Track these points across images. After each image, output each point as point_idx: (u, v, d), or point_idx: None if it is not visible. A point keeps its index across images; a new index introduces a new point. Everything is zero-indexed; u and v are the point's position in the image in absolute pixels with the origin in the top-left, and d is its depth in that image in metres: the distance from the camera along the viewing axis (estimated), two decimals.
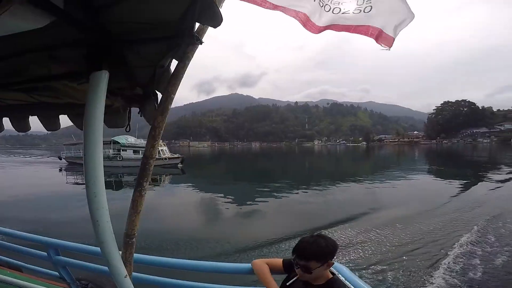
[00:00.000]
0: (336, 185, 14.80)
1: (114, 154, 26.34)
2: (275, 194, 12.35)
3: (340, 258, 5.22)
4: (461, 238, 6.16)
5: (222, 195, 12.33)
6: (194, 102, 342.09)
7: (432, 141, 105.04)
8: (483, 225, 7.10)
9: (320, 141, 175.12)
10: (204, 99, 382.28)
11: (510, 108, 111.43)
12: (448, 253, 5.44)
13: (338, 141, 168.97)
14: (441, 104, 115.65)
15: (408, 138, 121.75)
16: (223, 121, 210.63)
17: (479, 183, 14.04)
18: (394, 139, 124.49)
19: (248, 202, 10.78)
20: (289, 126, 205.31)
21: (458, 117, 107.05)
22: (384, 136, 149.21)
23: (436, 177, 18.11)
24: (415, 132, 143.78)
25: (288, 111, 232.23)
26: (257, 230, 7.26)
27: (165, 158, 24.92)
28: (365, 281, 1.25)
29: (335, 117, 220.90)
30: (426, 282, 4.40)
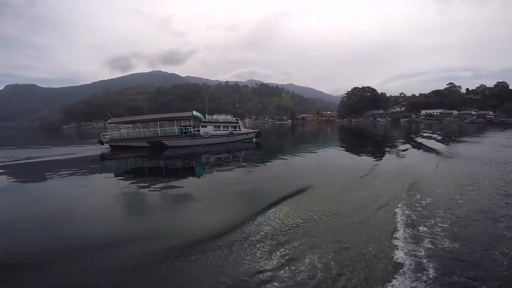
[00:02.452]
0: (270, 160, 15.19)
1: (195, 130, 23.55)
2: (202, 173, 11.94)
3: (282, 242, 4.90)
4: (396, 209, 6.57)
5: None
6: (106, 79, 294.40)
7: (344, 119, 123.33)
8: (408, 192, 8.00)
9: (250, 119, 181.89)
10: (119, 76, 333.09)
11: (398, 95, 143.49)
12: (396, 224, 5.74)
13: (266, 119, 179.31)
14: (351, 89, 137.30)
15: (325, 117, 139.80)
16: (146, 100, 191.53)
17: (387, 154, 16.48)
18: (314, 117, 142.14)
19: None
20: (220, 105, 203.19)
21: (363, 101, 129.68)
22: (306, 115, 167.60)
23: (352, 151, 20.68)
24: (328, 112, 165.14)
25: (219, 90, 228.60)
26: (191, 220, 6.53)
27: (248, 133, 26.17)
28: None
29: (263, 97, 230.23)
30: (388, 259, 4.42)
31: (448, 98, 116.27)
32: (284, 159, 15.98)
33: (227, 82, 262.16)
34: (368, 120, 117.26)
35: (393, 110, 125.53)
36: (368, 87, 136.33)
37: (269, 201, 7.41)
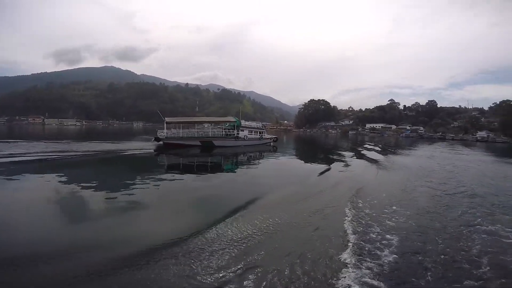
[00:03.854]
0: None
1: (236, 134, 27.24)
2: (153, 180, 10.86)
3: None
4: (346, 217, 6.86)
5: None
6: (49, 72, 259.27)
7: (300, 129, 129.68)
8: (355, 197, 8.66)
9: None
10: (65, 69, 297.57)
11: (347, 108, 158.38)
12: (346, 229, 6.03)
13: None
14: (308, 101, 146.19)
15: (283, 126, 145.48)
16: (95, 96, 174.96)
17: (335, 163, 18.18)
18: (273, 126, 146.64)
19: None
20: (178, 107, 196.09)
21: (318, 112, 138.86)
22: (265, 123, 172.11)
23: (306, 159, 23.06)
24: (285, 121, 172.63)
25: (177, 92, 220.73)
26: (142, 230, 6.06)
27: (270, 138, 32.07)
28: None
29: (224, 102, 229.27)
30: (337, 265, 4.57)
31: (389, 113, 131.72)
32: (245, 167, 16.43)
33: (187, 84, 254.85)
34: (321, 131, 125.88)
35: (343, 123, 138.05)
36: (323, 100, 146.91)
37: (226, 210, 7.30)
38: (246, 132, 28.36)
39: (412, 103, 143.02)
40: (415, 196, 9.36)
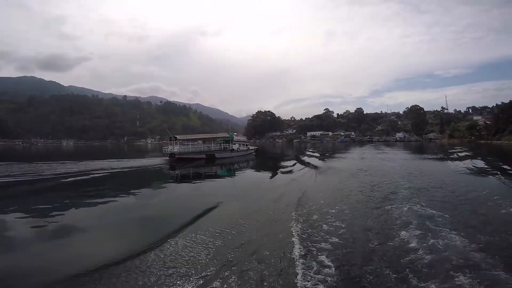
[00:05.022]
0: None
1: (231, 147, 32.51)
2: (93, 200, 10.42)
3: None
4: (291, 224, 6.99)
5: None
6: None
7: (250, 140, 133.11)
8: (298, 204, 8.99)
9: (153, 139, 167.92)
10: None
11: (290, 118, 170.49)
12: (293, 240, 5.91)
13: None
14: (256, 113, 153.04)
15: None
16: (11, 111, 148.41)
17: (280, 170, 19.52)
18: None
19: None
20: (116, 122, 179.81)
21: (265, 123, 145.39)
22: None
23: (255, 168, 24.37)
24: (235, 133, 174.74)
25: (113, 105, 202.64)
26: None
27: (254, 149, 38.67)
28: None
29: (168, 115, 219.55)
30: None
31: (325, 121, 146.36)
32: (200, 177, 16.20)
33: (125, 96, 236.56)
34: (269, 141, 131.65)
35: (287, 132, 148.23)
36: (269, 111, 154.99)
37: (182, 220, 7.47)
38: (237, 145, 33.56)
39: (343, 111, 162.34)
40: (348, 194, 10.55)
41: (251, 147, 37.55)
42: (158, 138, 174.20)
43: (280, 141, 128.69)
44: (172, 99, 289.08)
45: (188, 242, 5.95)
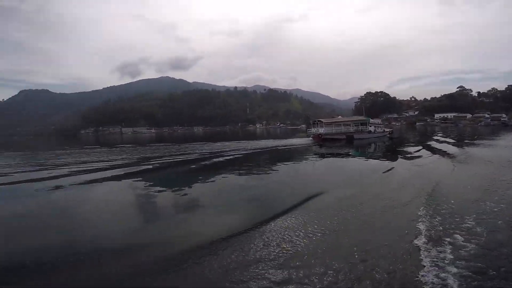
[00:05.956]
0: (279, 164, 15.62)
1: (368, 129, 35.65)
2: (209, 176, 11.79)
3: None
4: (419, 216, 6.21)
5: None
6: (116, 85, 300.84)
7: None
8: (430, 196, 7.75)
9: (261, 125, 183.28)
10: (128, 82, 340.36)
11: (409, 99, 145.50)
12: (420, 230, 5.37)
13: (277, 124, 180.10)
14: (364, 94, 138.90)
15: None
16: (159, 106, 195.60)
17: (402, 159, 16.44)
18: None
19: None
20: (231, 111, 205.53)
21: (376, 105, 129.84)
22: (320, 119, 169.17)
23: (368, 154, 21.50)
24: (339, 116, 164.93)
25: (228, 96, 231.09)
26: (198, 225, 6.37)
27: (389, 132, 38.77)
28: None
29: (271, 102, 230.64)
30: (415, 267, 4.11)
31: (459, 101, 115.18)
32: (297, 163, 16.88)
33: (235, 87, 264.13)
34: (383, 124, 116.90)
35: (407, 114, 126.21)
36: (381, 92, 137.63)
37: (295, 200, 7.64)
38: (373, 127, 35.95)
39: (486, 89, 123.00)
40: (504, 199, 7.57)
41: (386, 129, 39.17)
42: (265, 123, 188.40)
43: (397, 124, 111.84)
44: (273, 86, 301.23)
45: (295, 225, 5.84)
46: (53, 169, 14.73)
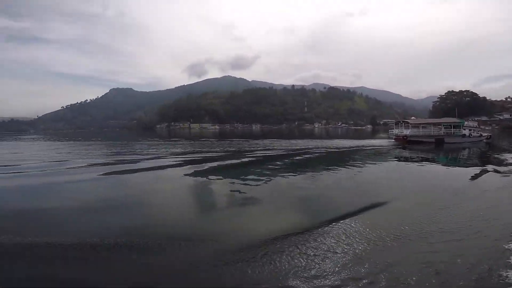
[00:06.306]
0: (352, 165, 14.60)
1: (462, 132, 31.99)
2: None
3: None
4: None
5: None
6: (185, 84, 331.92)
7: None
8: None
9: (320, 124, 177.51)
10: (195, 81, 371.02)
11: (504, 99, 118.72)
12: None
13: (339, 124, 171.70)
14: (445, 93, 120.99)
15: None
16: (221, 104, 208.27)
17: (493, 165, 13.96)
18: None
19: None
20: (288, 109, 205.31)
21: (460, 105, 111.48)
22: (388, 120, 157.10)
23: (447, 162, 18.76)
24: (413, 117, 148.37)
25: (285, 94, 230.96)
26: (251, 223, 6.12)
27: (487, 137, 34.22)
28: None
29: (332, 101, 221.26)
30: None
31: None
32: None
33: (293, 86, 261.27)
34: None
35: (501, 117, 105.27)
36: (466, 91, 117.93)
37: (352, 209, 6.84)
38: (467, 131, 31.75)
39: None
40: None
41: (484, 134, 34.48)
42: (324, 123, 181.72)
43: (486, 128, 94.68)
44: (333, 84, 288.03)
45: (351, 231, 5.36)
46: (145, 158, 17.48)
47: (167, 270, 4.14)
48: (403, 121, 33.58)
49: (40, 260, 4.38)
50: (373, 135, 50.99)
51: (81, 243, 4.80)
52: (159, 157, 18.10)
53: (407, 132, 30.45)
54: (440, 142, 29.21)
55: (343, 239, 5.01)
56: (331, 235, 5.21)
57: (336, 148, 24.13)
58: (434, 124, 33.24)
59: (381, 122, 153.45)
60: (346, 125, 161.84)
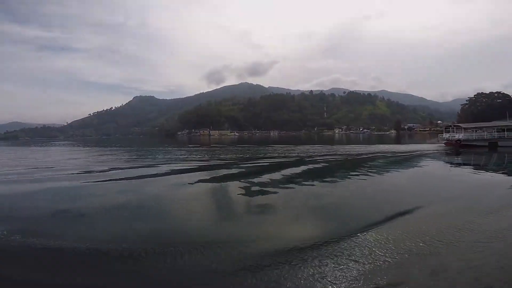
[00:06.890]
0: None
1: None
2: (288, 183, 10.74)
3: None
4: None
5: None
6: (204, 92, 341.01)
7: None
8: None
9: (340, 129, 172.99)
10: (214, 88, 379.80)
11: None
12: None
13: (360, 129, 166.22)
14: (475, 95, 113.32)
15: (441, 127, 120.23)
16: (240, 110, 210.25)
17: None
18: (425, 127, 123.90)
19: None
20: (307, 115, 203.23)
21: (492, 108, 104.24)
22: (413, 124, 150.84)
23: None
24: (439, 121, 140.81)
25: (303, 100, 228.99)
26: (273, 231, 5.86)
27: None
28: None
29: (352, 105, 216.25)
30: None
31: None
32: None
33: (311, 91, 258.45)
34: None
35: None
36: (498, 93, 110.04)
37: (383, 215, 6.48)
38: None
39: None
40: None
41: None
42: (345, 128, 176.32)
43: None
44: (353, 88, 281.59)
45: (377, 242, 4.98)
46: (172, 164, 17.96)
47: (188, 275, 4.09)
48: (454, 125, 33.57)
49: (60, 265, 4.41)
50: (408, 140, 49.32)
51: (103, 249, 4.86)
52: (179, 162, 18.76)
53: (459, 136, 30.07)
54: (494, 146, 28.61)
55: (371, 250, 4.68)
56: (365, 243, 4.92)
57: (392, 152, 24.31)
58: (487, 128, 32.25)
59: (406, 127, 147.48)
60: (368, 131, 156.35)
